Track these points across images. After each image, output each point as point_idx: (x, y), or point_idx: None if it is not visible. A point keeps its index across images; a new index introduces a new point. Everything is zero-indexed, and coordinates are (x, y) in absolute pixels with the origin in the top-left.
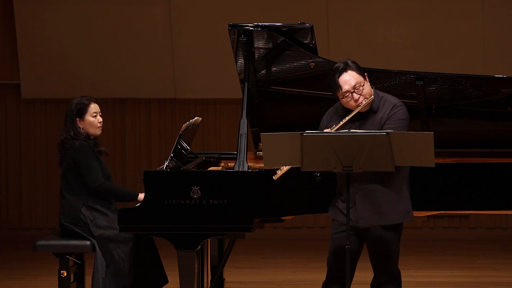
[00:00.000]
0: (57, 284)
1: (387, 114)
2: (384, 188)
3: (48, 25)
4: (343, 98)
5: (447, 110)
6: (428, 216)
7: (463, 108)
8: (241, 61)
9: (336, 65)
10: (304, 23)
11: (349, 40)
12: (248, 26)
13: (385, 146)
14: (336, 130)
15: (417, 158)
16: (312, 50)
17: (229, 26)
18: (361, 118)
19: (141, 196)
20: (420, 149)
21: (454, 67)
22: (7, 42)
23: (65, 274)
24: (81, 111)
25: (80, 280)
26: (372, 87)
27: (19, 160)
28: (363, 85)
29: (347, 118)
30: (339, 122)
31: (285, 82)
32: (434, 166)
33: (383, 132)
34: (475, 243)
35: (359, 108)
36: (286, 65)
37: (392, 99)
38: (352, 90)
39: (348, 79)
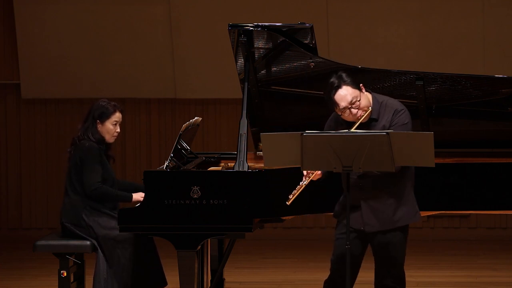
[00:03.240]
0: (57, 284)
1: (389, 121)
2: (387, 194)
3: (48, 25)
4: (342, 114)
5: (447, 110)
6: (428, 216)
7: (463, 108)
8: (241, 61)
9: (331, 80)
10: (304, 23)
11: (349, 40)
12: (248, 26)
13: (385, 146)
14: None
15: (417, 158)
16: (312, 50)
17: (229, 26)
18: (363, 129)
19: (135, 196)
20: (420, 149)
21: (454, 67)
22: (7, 42)
23: (65, 274)
24: (104, 116)
25: (80, 280)
26: (370, 93)
27: (19, 160)
28: (359, 99)
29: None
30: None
31: (285, 82)
32: (434, 166)
33: (383, 132)
34: (475, 243)
35: (359, 122)
36: (286, 65)
37: (393, 104)
38: (350, 106)
39: (344, 94)
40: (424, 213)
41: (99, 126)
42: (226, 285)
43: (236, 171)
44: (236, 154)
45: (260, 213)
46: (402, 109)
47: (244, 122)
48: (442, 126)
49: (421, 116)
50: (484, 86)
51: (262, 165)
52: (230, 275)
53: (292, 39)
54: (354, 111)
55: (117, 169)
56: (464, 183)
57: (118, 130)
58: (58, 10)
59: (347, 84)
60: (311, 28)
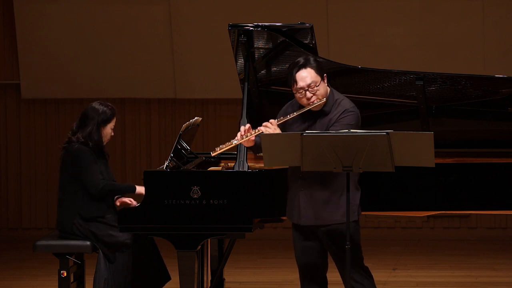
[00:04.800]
0: (57, 284)
1: (336, 118)
2: (327, 188)
3: (48, 25)
4: (296, 93)
5: (447, 110)
6: (428, 216)
7: (463, 108)
8: (241, 61)
9: (298, 59)
10: (304, 23)
11: (349, 40)
12: (248, 26)
13: (385, 146)
14: (280, 123)
15: (417, 158)
16: (312, 50)
17: (229, 26)
18: (312, 119)
19: (139, 188)
20: (420, 149)
21: (454, 67)
22: (7, 42)
23: (65, 274)
24: (107, 120)
25: (80, 280)
26: (330, 88)
27: (19, 160)
28: (318, 85)
29: (295, 113)
30: (287, 116)
31: (285, 82)
32: (434, 166)
33: (383, 132)
34: (475, 243)
35: (310, 107)
36: (286, 65)
37: (346, 104)
38: (306, 88)
39: (305, 76)
40: (424, 213)
41: (101, 130)
42: (226, 285)
43: (236, 171)
44: (236, 154)
45: (260, 213)
46: (352, 111)
47: (244, 122)
48: (442, 126)
49: (421, 116)
50: (484, 86)
51: (262, 165)
52: (230, 275)
53: (292, 39)
54: (309, 94)
55: (117, 169)
56: (464, 183)
57: (113, 133)
58: (58, 10)
59: (312, 68)
60: (311, 28)
